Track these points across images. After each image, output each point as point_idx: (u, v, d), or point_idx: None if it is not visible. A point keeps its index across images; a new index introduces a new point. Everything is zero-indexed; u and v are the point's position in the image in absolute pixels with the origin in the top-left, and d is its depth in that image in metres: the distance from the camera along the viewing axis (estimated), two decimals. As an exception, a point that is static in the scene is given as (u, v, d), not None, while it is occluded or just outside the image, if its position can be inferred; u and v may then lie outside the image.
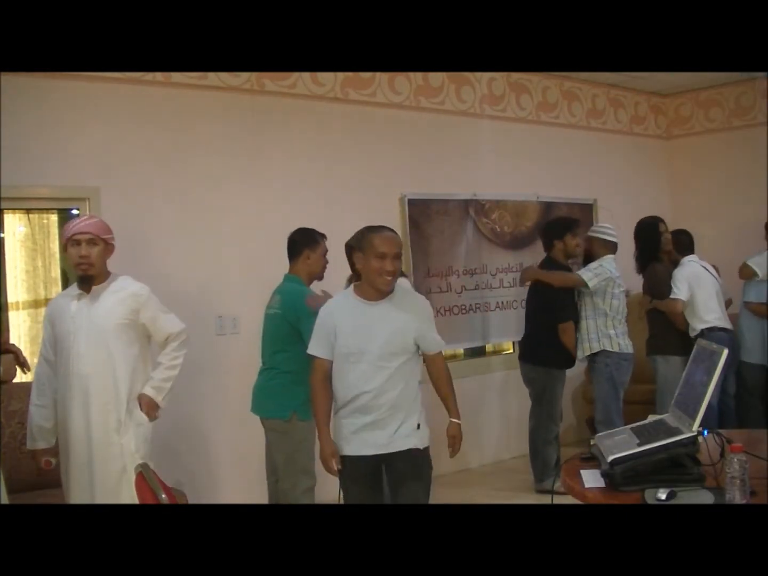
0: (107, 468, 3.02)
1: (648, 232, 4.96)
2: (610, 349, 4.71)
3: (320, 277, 3.83)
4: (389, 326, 2.87)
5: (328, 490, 4.09)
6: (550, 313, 4.78)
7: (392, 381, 2.87)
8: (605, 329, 4.72)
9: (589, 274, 4.69)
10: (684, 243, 5.00)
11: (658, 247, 4.90)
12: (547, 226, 5.13)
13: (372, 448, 2.90)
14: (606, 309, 4.73)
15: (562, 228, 4.92)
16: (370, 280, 2.87)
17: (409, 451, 2.92)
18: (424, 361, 3.08)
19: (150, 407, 3.14)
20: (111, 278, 3.15)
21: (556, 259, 4.88)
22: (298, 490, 3.62)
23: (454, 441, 3.04)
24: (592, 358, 4.80)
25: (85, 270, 3.06)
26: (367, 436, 2.89)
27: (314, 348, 2.99)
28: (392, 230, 2.98)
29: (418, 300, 3.11)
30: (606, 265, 4.73)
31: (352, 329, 2.89)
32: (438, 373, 3.07)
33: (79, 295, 3.09)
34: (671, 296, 4.77)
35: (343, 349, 2.89)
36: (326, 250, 3.83)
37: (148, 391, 3.14)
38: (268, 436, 3.77)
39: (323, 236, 3.84)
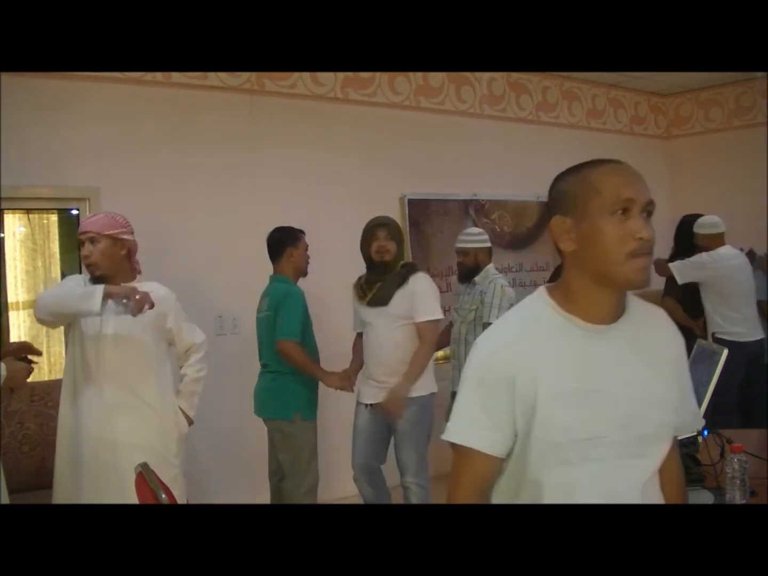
0: (114, 470, 2.94)
1: (684, 230, 5.12)
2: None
3: (304, 274, 3.85)
4: (639, 380, 1.44)
5: (330, 490, 4.07)
6: None
7: (652, 492, 1.51)
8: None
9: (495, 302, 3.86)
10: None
11: (691, 244, 4.98)
12: None
13: None
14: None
15: None
16: (607, 266, 1.38)
17: None
18: None
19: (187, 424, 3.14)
20: (139, 281, 3.02)
21: None
22: (301, 490, 3.64)
23: None
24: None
25: (91, 271, 2.94)
26: None
27: (464, 431, 1.45)
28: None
29: (667, 326, 1.56)
30: (501, 280, 4.01)
31: (574, 391, 1.39)
32: (671, 475, 1.57)
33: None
34: None
35: (555, 435, 1.39)
36: (307, 246, 3.84)
37: (183, 406, 3.11)
38: (273, 437, 3.76)
39: (302, 232, 3.85)
